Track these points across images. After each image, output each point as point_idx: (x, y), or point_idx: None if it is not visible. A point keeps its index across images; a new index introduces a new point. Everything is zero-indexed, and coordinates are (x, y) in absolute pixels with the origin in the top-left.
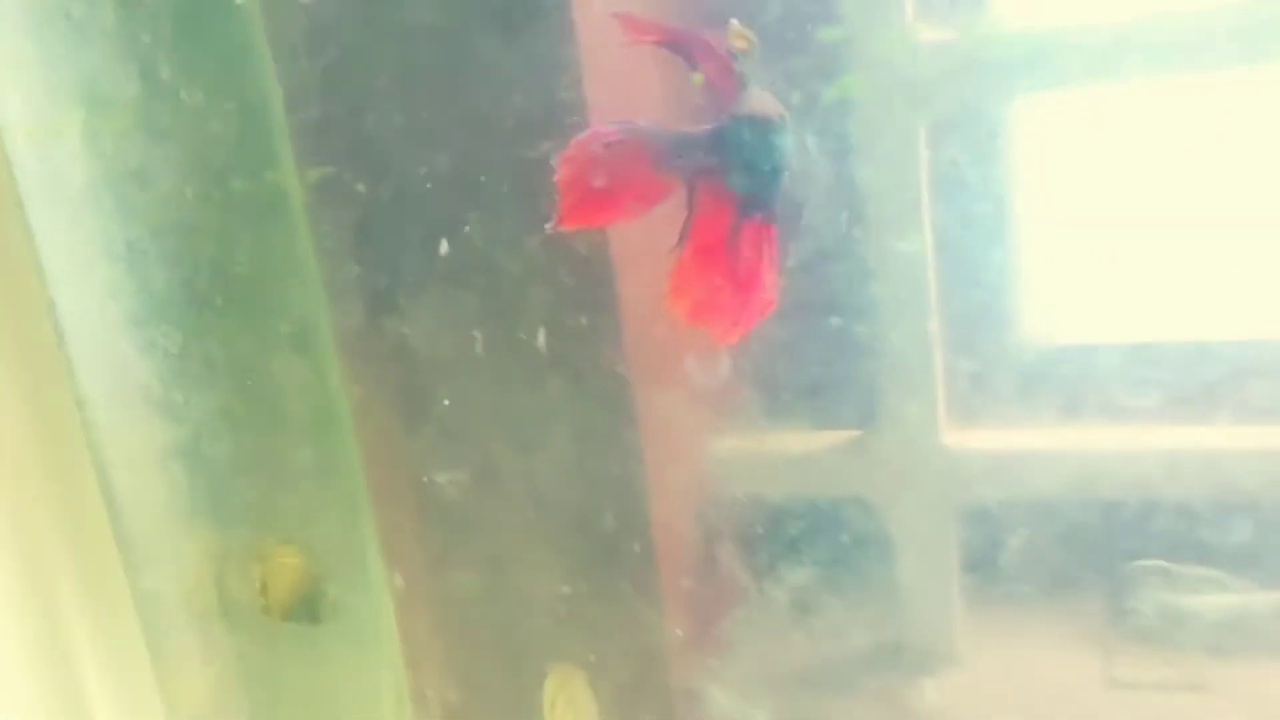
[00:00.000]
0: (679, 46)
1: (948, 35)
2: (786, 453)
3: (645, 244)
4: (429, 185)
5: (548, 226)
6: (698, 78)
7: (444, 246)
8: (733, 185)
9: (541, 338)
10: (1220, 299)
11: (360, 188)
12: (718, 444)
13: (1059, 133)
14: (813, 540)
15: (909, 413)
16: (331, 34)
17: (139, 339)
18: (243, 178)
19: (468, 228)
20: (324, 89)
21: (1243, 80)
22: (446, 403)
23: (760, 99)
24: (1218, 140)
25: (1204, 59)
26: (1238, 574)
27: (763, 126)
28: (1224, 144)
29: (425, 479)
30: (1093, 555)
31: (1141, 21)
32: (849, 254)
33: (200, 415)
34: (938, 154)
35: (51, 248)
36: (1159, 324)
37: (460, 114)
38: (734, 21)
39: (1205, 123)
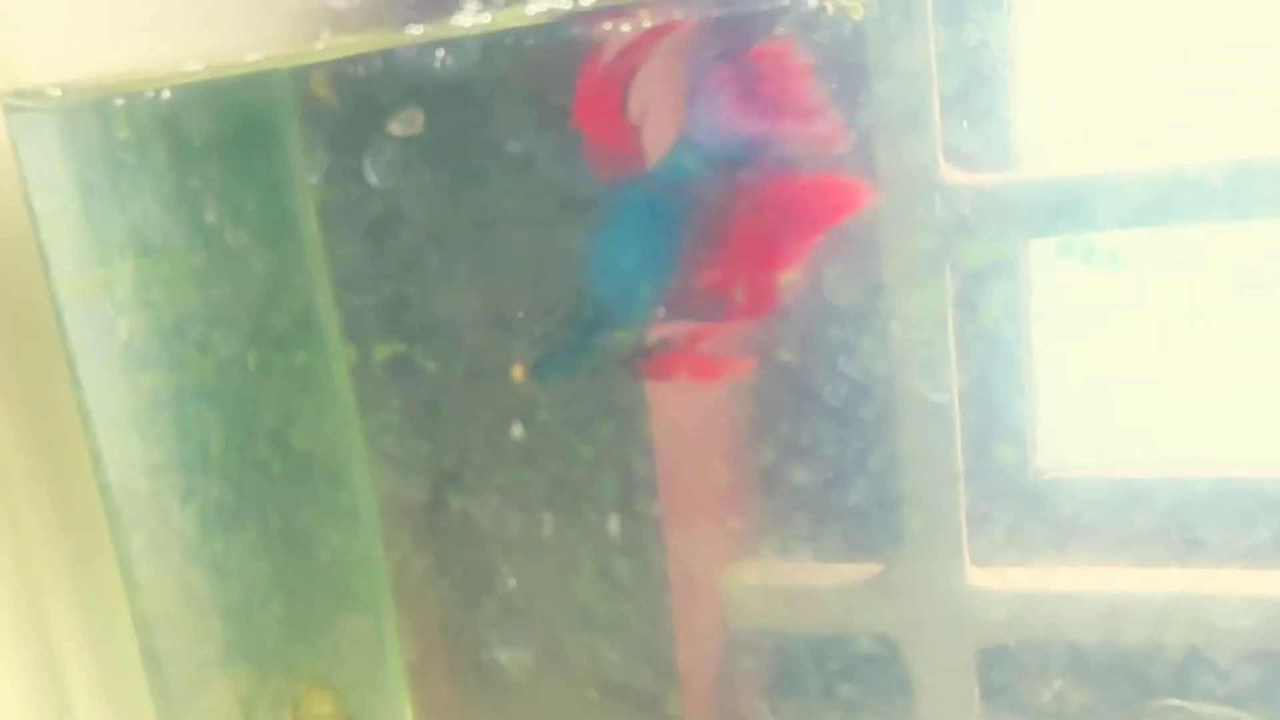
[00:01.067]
0: None
1: (975, 180)
2: (811, 587)
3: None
4: (479, 364)
5: None
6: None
7: (517, 430)
8: None
9: (583, 515)
10: (1244, 440)
11: (414, 364)
12: (743, 579)
13: (1083, 274)
14: (835, 676)
15: (934, 550)
16: (383, 212)
17: (179, 487)
18: (285, 340)
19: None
20: (375, 267)
21: (1262, 231)
22: (513, 583)
23: None
24: (1240, 288)
25: (1227, 210)
26: (1259, 713)
27: None
28: (1245, 291)
29: (456, 636)
30: (1115, 694)
31: (1163, 172)
32: (877, 397)
33: (237, 565)
34: (965, 296)
35: (98, 395)
36: (1186, 465)
37: (516, 296)
38: None
39: (1229, 270)
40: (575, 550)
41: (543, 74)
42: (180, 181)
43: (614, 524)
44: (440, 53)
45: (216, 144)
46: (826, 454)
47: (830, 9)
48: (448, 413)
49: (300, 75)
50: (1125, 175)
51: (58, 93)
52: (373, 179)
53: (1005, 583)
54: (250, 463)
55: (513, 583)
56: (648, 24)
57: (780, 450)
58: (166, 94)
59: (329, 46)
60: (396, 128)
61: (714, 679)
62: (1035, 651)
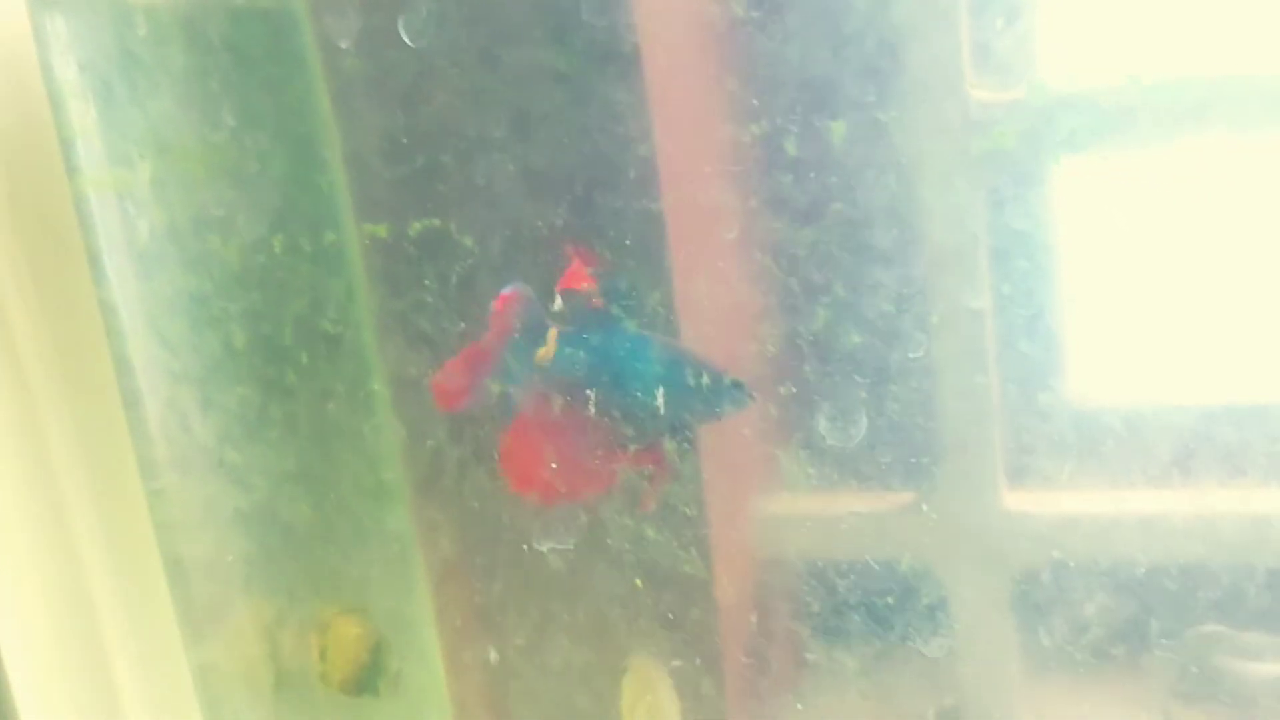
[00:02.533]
0: None
1: (1003, 96)
2: (843, 514)
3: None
4: (509, 242)
5: None
6: None
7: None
8: None
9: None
10: None
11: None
12: (775, 505)
13: (1116, 192)
14: (869, 604)
15: (968, 475)
16: (389, 84)
17: (201, 397)
18: (302, 231)
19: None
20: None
21: None
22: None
23: None
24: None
25: (1263, 120)
26: None
27: None
28: None
29: (478, 546)
30: (1154, 620)
31: (1195, 81)
32: (911, 312)
33: (262, 479)
34: (996, 213)
35: (119, 302)
36: (1223, 386)
37: (521, 167)
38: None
39: (1262, 184)
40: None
41: None
42: (196, 71)
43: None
44: None
45: (230, 38)
46: (861, 373)
47: None
48: (475, 292)
49: None
50: (1162, 86)
51: None
52: (407, 39)
53: (1043, 506)
54: (275, 360)
55: (487, 463)
56: None
57: (811, 372)
58: None
59: None
60: None
61: (749, 609)
62: (1074, 576)
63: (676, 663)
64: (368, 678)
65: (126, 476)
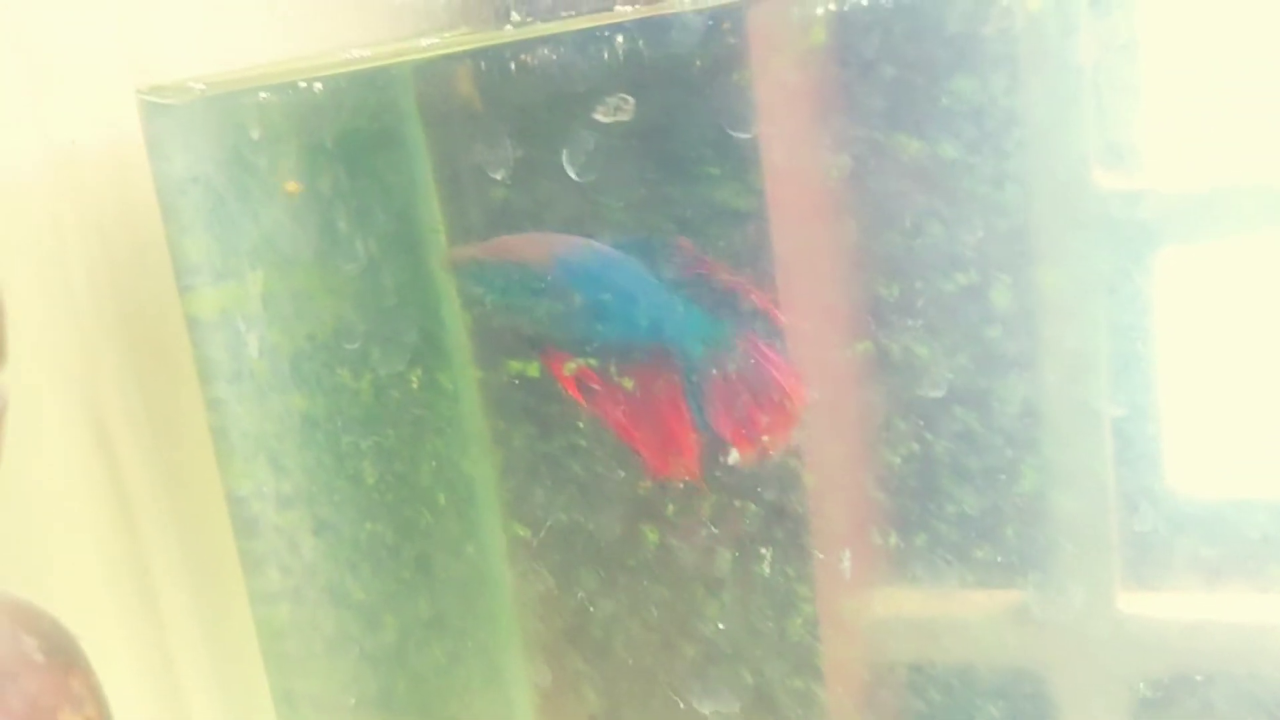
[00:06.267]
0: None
1: (1129, 185)
2: (951, 618)
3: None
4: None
5: None
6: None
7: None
8: None
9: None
10: None
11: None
12: (881, 610)
13: (1238, 285)
14: (977, 713)
15: (1081, 576)
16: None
17: (310, 521)
18: (439, 365)
19: None
20: None
21: None
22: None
23: None
24: None
25: None
26: None
27: None
28: None
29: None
30: None
31: None
32: (1025, 409)
33: (369, 601)
34: (1116, 304)
35: (226, 422)
36: None
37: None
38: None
39: None
40: (715, 575)
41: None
42: (312, 186)
43: (760, 549)
44: (619, 38)
45: (345, 147)
46: (968, 474)
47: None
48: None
49: (423, 73)
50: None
51: (200, 86)
52: (572, 172)
53: (1161, 610)
54: (409, 499)
55: (641, 615)
56: None
57: (922, 471)
58: (318, 86)
59: (517, 29)
60: (602, 114)
61: (858, 715)
62: (1197, 685)
63: None
64: None
65: (236, 608)
